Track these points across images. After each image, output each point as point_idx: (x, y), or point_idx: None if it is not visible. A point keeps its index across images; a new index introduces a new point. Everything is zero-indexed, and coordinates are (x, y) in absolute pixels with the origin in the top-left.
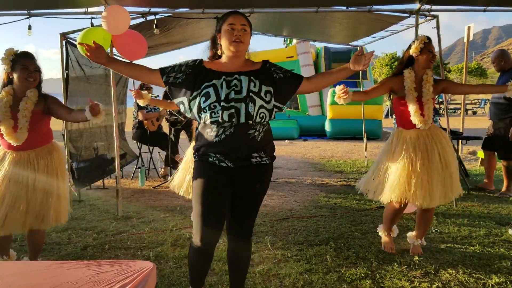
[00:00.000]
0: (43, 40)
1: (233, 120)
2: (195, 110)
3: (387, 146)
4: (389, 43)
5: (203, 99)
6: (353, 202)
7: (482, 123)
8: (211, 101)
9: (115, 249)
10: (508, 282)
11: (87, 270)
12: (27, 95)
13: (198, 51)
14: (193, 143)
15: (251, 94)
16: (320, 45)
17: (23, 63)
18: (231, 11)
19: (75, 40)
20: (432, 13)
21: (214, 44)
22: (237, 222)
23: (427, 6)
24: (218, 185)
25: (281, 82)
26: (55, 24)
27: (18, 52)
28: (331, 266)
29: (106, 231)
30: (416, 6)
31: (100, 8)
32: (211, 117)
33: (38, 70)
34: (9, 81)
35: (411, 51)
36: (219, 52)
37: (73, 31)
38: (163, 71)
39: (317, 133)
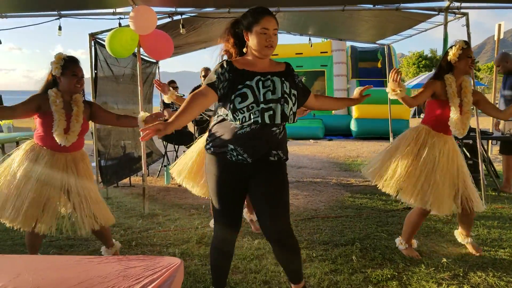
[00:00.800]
0: (71, 40)
1: (272, 121)
2: (230, 111)
3: (411, 141)
4: (417, 42)
5: (238, 99)
6: (379, 203)
7: None
8: (249, 102)
9: (142, 245)
10: None
11: (117, 265)
12: (74, 99)
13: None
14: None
15: (285, 95)
16: (347, 44)
17: (73, 69)
18: (264, 11)
19: (104, 40)
20: (462, 10)
21: (236, 38)
22: (268, 219)
23: (457, 4)
24: (234, 180)
25: (299, 88)
26: (83, 25)
27: (66, 57)
28: (356, 266)
29: (133, 228)
30: (445, 3)
31: (128, 9)
32: (249, 118)
33: (83, 76)
34: (53, 82)
35: (449, 58)
36: (244, 50)
37: (102, 32)
38: (214, 86)
39: (343, 133)
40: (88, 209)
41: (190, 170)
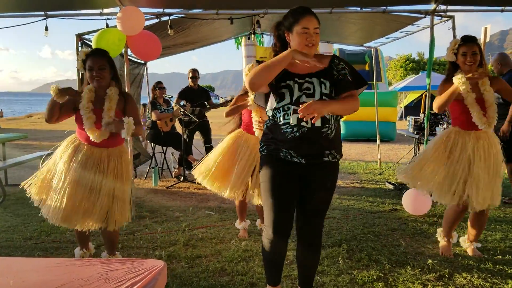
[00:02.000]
0: (58, 41)
1: (303, 123)
2: (271, 108)
3: (441, 144)
4: (404, 45)
5: (278, 99)
6: (366, 204)
7: None
8: (285, 102)
9: (128, 248)
10: None
11: (98, 267)
12: (107, 93)
13: (211, 52)
14: (229, 136)
15: (324, 97)
16: (335, 46)
17: (89, 64)
18: (304, 11)
19: (91, 41)
20: (448, 13)
21: (279, 41)
22: (307, 220)
23: (443, 7)
24: (288, 179)
25: (338, 82)
26: (70, 26)
27: (89, 51)
28: (343, 268)
29: (119, 231)
30: (432, 6)
31: (115, 9)
32: (284, 119)
33: (104, 67)
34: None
35: (446, 57)
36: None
37: (89, 32)
38: None
39: None
40: (103, 208)
41: (216, 171)
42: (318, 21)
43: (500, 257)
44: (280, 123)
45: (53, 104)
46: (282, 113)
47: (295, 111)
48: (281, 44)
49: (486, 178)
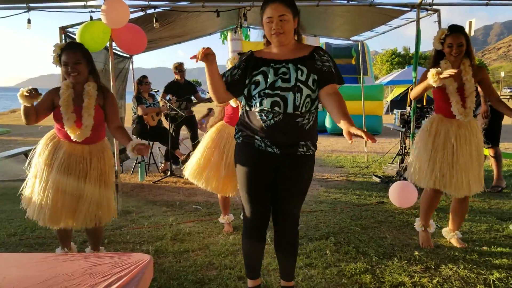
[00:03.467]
0: (43, 34)
1: (277, 108)
2: (245, 98)
3: (426, 131)
4: (390, 39)
5: (253, 86)
6: (353, 197)
7: None
8: (260, 88)
9: (114, 243)
10: (509, 278)
11: (83, 262)
12: (85, 89)
13: (198, 46)
14: (212, 129)
15: (298, 83)
16: (322, 40)
17: (63, 59)
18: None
19: (75, 34)
20: (434, 7)
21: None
22: (284, 209)
23: (429, 0)
24: (263, 171)
25: (321, 73)
26: (54, 18)
27: (64, 45)
28: (331, 260)
29: (105, 226)
30: (418, 0)
31: (100, 2)
32: (260, 104)
33: (79, 62)
34: None
35: (433, 45)
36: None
37: (73, 25)
38: (228, 76)
39: (318, 129)
40: (91, 206)
41: (201, 167)
42: (286, 5)
43: (485, 248)
44: (257, 110)
45: (26, 108)
46: (258, 100)
47: (268, 95)
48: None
49: (469, 165)
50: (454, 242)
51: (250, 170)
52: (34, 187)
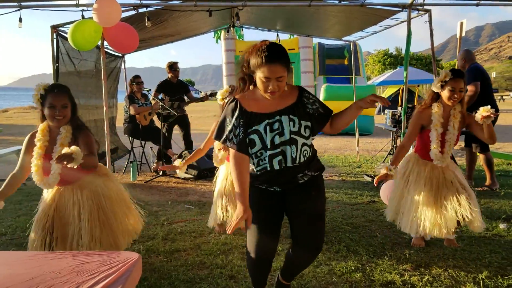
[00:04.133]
0: (34, 33)
1: (282, 167)
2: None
3: (400, 168)
4: (382, 40)
5: (249, 146)
6: (344, 197)
7: None
8: (257, 148)
9: None
10: (498, 276)
11: (71, 260)
12: (60, 132)
13: (190, 46)
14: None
15: (292, 135)
16: (314, 41)
17: (50, 101)
18: (268, 59)
19: (66, 33)
20: (425, 7)
21: (244, 75)
22: (305, 235)
23: (420, 0)
24: (268, 203)
25: (313, 117)
26: (45, 17)
27: (48, 86)
28: (321, 259)
29: None
30: (409, 0)
31: (91, 0)
32: (258, 165)
33: (67, 106)
34: (44, 116)
35: (433, 87)
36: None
37: (64, 24)
38: (239, 145)
39: None
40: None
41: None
42: (285, 64)
43: (474, 247)
44: (256, 169)
45: None
46: (256, 160)
47: (272, 155)
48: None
49: (437, 208)
50: (447, 241)
51: (256, 207)
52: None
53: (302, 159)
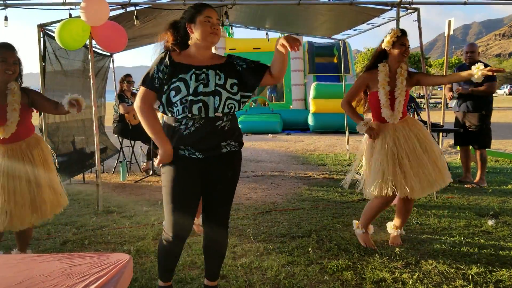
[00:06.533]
0: (20, 32)
1: (202, 113)
2: (166, 104)
3: (365, 138)
4: (371, 38)
5: (173, 93)
6: (335, 195)
7: None
8: (182, 95)
9: (95, 244)
10: (488, 272)
11: (61, 262)
12: (9, 88)
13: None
14: None
15: (217, 87)
16: (304, 39)
17: (2, 55)
18: (205, 4)
19: (53, 32)
20: (413, 6)
21: (177, 31)
22: (213, 210)
23: None
24: (188, 177)
25: (245, 72)
26: (32, 16)
27: (1, 43)
28: (313, 258)
29: (86, 226)
30: None
31: None
32: (183, 111)
33: (17, 63)
34: None
35: (383, 45)
36: (189, 42)
37: (51, 23)
38: (153, 87)
39: (300, 127)
40: (42, 197)
41: None
42: (218, 16)
43: (464, 243)
44: (179, 117)
45: None
46: (180, 107)
47: (192, 101)
48: (180, 38)
49: (410, 168)
50: (390, 239)
51: (176, 183)
52: None
53: (226, 110)
